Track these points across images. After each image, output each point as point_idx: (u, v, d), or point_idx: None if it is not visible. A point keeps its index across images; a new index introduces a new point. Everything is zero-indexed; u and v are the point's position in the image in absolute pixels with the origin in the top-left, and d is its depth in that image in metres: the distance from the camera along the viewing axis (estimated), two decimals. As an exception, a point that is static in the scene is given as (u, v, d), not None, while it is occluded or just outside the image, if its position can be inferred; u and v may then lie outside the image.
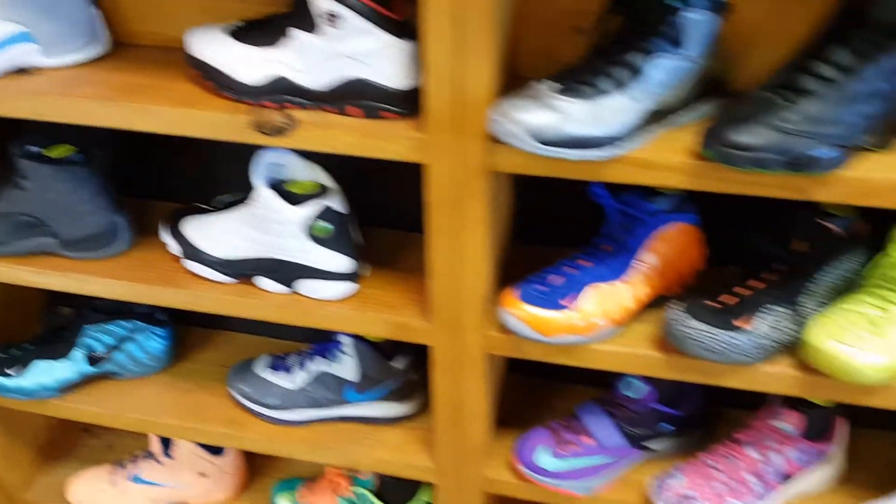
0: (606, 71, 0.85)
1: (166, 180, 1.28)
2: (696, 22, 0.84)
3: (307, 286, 1.08)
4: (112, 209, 1.16)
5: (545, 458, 1.12)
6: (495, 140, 0.87)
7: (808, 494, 1.09)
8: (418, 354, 1.20)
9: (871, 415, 1.04)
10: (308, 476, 1.43)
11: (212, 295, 1.10)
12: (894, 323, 0.90)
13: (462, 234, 0.96)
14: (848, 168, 0.81)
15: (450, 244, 0.97)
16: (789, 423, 1.05)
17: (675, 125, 0.90)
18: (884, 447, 1.17)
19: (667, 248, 1.00)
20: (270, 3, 1.01)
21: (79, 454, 1.57)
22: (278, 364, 1.26)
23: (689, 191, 0.99)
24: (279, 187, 1.05)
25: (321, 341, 1.25)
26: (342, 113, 0.93)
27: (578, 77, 0.85)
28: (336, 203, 1.05)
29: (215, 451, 1.41)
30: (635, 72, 0.84)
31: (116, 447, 1.57)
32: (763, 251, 0.99)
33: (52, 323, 1.34)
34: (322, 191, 1.06)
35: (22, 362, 1.28)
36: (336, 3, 0.86)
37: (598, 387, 1.26)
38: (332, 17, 0.88)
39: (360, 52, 0.89)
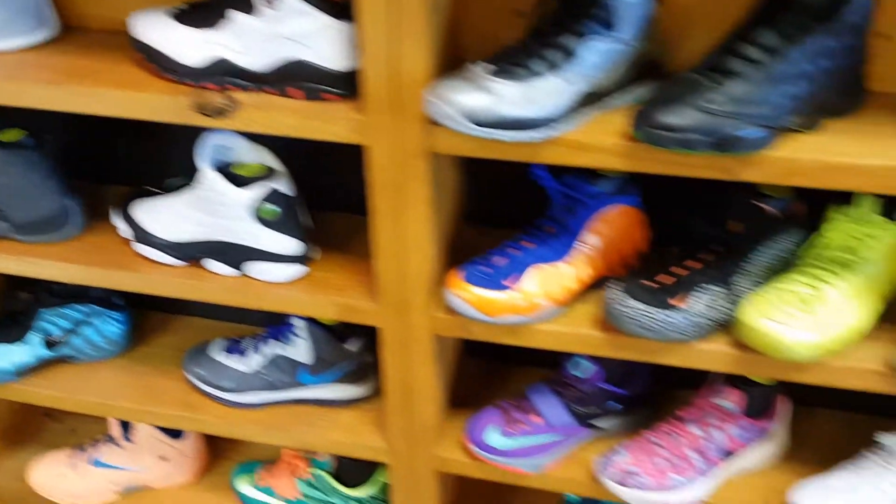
0: (540, 53, 0.86)
1: (119, 164, 1.29)
2: (629, 5, 0.86)
3: (256, 268, 1.09)
4: (63, 193, 1.16)
5: (495, 437, 1.13)
6: (433, 122, 0.88)
7: (749, 471, 1.11)
8: (372, 337, 1.21)
9: (815, 393, 1.06)
10: (267, 459, 1.44)
11: (162, 278, 1.11)
12: (825, 301, 0.92)
13: (405, 215, 0.97)
14: (774, 148, 0.83)
15: (393, 226, 0.98)
16: (731, 400, 1.07)
17: (611, 107, 0.91)
18: (827, 425, 1.19)
19: (609, 229, 1.02)
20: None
21: (41, 439, 1.57)
22: (233, 347, 1.27)
23: (632, 173, 1.01)
24: (225, 170, 1.06)
25: (276, 325, 1.26)
26: (284, 94, 0.94)
27: (512, 59, 0.86)
28: (283, 185, 1.06)
29: (175, 434, 1.42)
30: (568, 54, 0.86)
31: (79, 431, 1.57)
32: (701, 232, 1.00)
33: (10, 307, 1.35)
34: (269, 173, 1.07)
35: (-22, 346, 1.28)
36: (273, -15, 0.87)
37: (553, 368, 1.27)
38: (270, -1, 0.88)
39: (298, 33, 0.89)
